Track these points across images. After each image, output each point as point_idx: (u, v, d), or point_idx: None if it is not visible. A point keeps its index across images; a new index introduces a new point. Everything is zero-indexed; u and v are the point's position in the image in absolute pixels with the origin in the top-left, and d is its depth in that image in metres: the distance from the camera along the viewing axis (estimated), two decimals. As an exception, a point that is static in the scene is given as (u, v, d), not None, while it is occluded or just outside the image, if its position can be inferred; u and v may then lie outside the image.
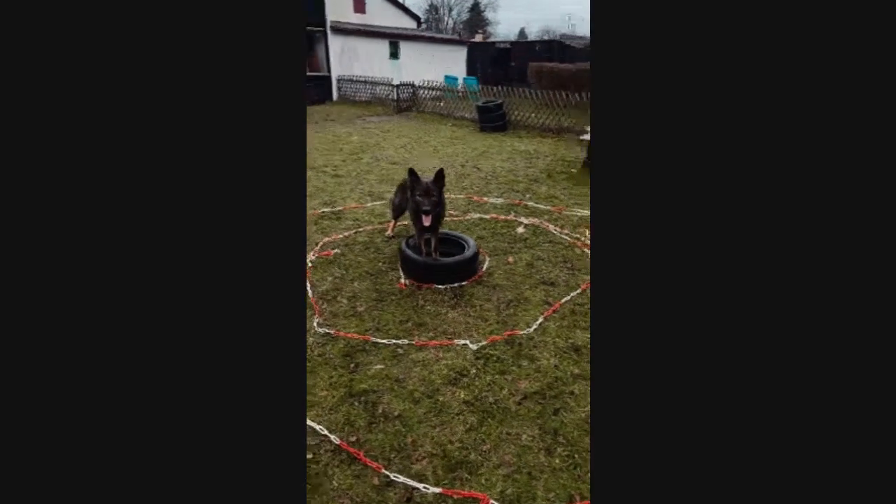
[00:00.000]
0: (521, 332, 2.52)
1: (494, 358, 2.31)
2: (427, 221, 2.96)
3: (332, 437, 1.80)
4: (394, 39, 17.38)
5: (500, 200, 4.90)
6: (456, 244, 3.34)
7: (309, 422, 1.87)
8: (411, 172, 3.01)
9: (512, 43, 23.68)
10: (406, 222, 4.04)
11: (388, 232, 3.86)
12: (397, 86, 12.74)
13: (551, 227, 4.12)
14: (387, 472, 1.65)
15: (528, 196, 5.06)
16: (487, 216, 4.40)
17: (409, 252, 3.12)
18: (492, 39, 26.62)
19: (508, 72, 19.98)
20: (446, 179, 3.10)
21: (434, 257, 3.16)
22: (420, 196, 2.95)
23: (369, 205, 4.75)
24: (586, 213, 4.49)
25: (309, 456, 1.72)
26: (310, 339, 2.44)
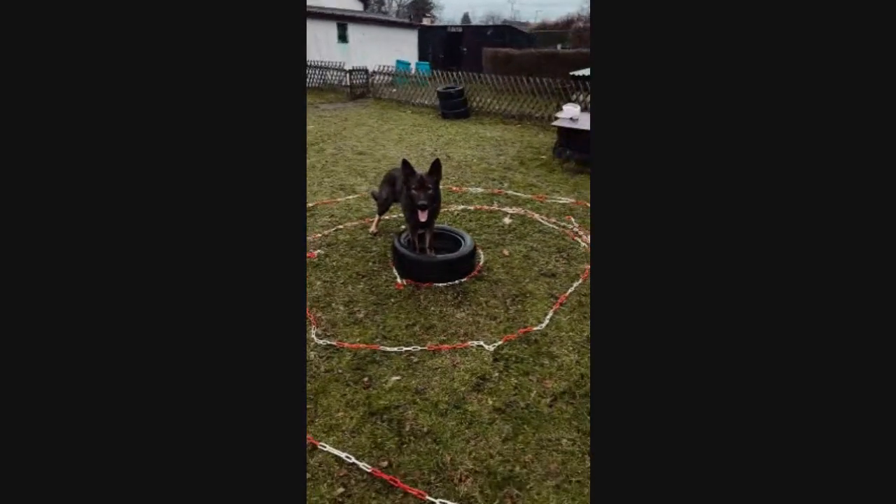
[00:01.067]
0: (535, 329, 2.44)
1: (514, 358, 2.21)
2: (423, 217, 2.79)
3: (362, 464, 1.63)
4: (342, 22, 16.59)
5: (479, 190, 4.79)
6: (450, 239, 3.19)
7: (332, 449, 1.68)
8: (405, 164, 2.82)
9: (463, 27, 23.41)
10: (389, 216, 3.84)
11: (372, 228, 3.63)
12: (350, 71, 12.18)
13: (536, 215, 4.07)
14: (431, 499, 1.51)
15: (505, 185, 4.98)
16: (472, 207, 4.27)
17: (404, 250, 2.93)
18: (440, 23, 26.16)
19: (461, 56, 19.76)
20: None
21: (429, 254, 3.00)
22: (415, 190, 2.76)
23: (342, 199, 4.47)
24: (567, 200, 4.48)
25: (340, 489, 1.54)
26: (311, 354, 2.22)
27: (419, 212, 2.77)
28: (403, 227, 3.71)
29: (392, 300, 2.71)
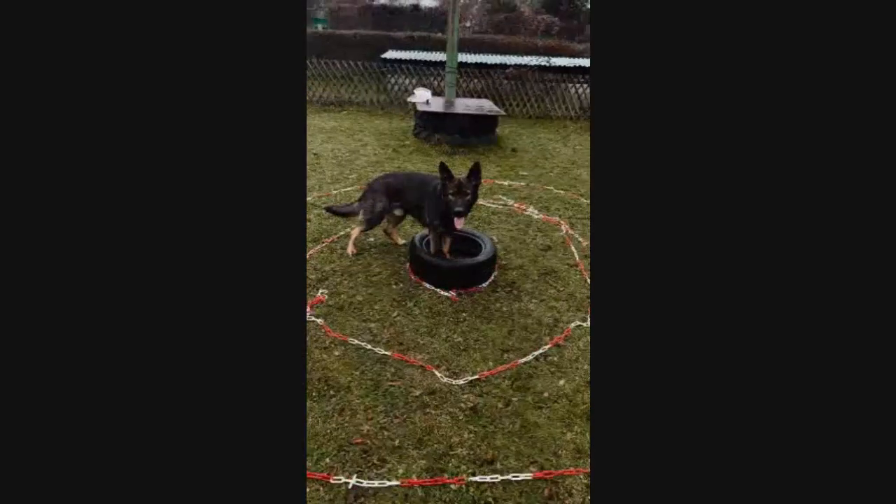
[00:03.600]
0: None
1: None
2: (460, 224, 2.62)
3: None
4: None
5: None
6: (465, 240, 3.02)
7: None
8: (443, 167, 2.58)
9: None
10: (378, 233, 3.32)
11: (351, 249, 3.08)
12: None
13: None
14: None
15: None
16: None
17: (427, 257, 2.74)
18: None
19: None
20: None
21: (447, 257, 2.84)
22: (453, 195, 2.54)
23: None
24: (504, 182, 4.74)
25: None
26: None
27: (456, 219, 2.58)
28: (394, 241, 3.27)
29: (464, 315, 2.49)
